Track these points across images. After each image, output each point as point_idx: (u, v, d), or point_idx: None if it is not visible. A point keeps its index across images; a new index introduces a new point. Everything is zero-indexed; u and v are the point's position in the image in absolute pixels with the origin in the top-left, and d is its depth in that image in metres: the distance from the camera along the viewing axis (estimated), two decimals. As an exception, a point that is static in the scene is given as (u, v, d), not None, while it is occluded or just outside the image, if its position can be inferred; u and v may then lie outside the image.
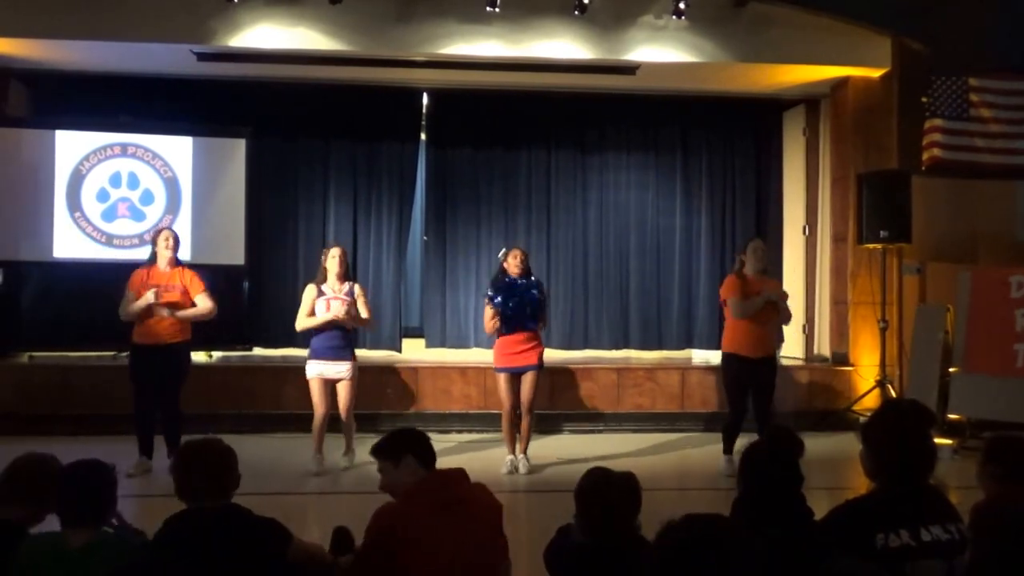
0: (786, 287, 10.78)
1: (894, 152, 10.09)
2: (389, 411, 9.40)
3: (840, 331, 10.38)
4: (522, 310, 7.68)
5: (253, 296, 10.47)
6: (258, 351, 10.64)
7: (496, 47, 9.50)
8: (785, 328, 11.14)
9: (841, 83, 10.38)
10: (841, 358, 10.24)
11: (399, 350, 10.83)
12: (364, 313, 7.89)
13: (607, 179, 11.44)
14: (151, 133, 10.20)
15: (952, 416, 8.87)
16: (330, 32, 9.33)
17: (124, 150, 10.09)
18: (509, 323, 7.67)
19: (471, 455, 7.97)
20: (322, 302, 7.72)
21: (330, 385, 7.75)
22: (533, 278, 7.91)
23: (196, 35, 9.25)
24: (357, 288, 7.96)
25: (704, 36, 9.64)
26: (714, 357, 10.53)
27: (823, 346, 10.79)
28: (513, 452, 7.82)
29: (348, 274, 7.97)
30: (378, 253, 11.07)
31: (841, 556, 3.07)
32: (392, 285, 10.86)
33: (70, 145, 9.96)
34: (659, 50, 9.62)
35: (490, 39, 9.48)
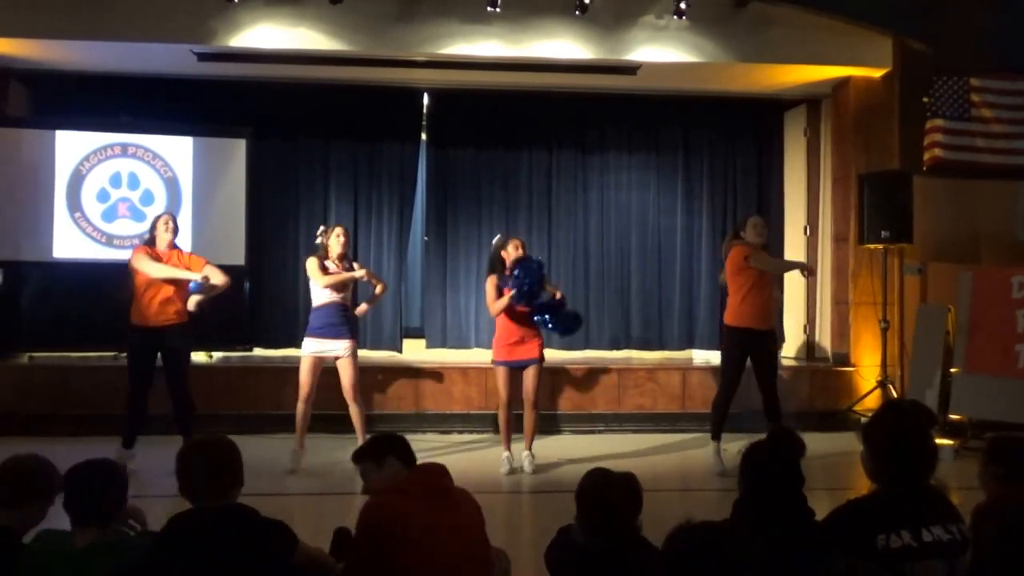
0: (787, 287, 10.88)
1: (895, 152, 10.07)
2: (390, 411, 9.40)
3: (841, 331, 10.37)
4: (539, 282, 7.65)
5: (253, 296, 10.46)
6: (258, 351, 10.62)
7: (497, 47, 9.49)
8: (786, 328, 11.21)
9: (842, 83, 10.37)
10: (842, 358, 10.23)
11: (400, 350, 10.83)
12: (377, 284, 8.01)
13: (608, 179, 11.44)
14: (151, 133, 10.19)
15: (953, 416, 8.85)
16: (331, 32, 9.32)
17: (124, 150, 10.08)
18: (530, 296, 7.62)
19: (472, 456, 7.96)
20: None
21: (322, 366, 7.74)
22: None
23: (196, 35, 9.24)
24: (356, 266, 8.02)
25: (705, 36, 9.63)
26: (715, 358, 10.53)
27: (824, 346, 10.78)
28: (509, 449, 7.80)
29: (348, 255, 7.98)
30: (379, 253, 11.06)
31: (842, 556, 3.07)
32: (393, 285, 10.83)
33: (70, 145, 9.95)
34: (660, 50, 9.60)
35: (491, 39, 9.46)
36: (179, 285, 7.59)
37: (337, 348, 7.71)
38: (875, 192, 9.52)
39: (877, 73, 10.10)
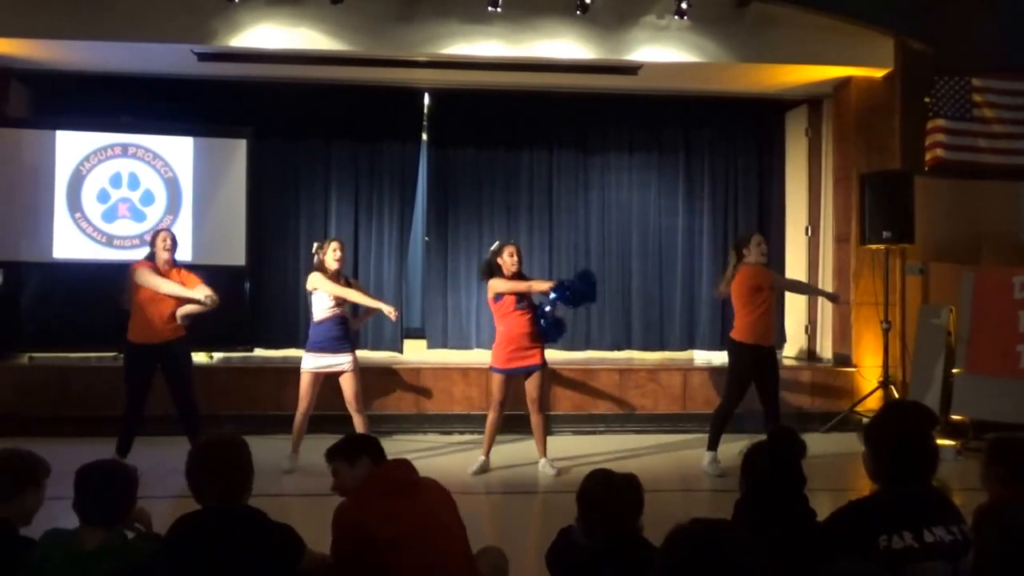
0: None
1: (897, 152, 10.06)
2: (391, 412, 9.40)
3: (843, 332, 10.36)
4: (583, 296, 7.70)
5: (254, 297, 10.45)
6: (259, 352, 10.61)
7: (498, 47, 9.48)
8: (787, 329, 11.21)
9: (844, 83, 10.35)
10: (844, 359, 10.22)
11: (401, 351, 10.81)
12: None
13: (609, 179, 11.43)
14: (152, 133, 10.18)
15: (955, 417, 8.84)
16: (331, 32, 9.31)
17: (124, 150, 10.07)
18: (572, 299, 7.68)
19: (472, 456, 7.93)
20: (323, 293, 7.72)
21: (323, 380, 7.75)
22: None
23: (197, 35, 9.23)
24: (353, 283, 8.06)
25: (706, 36, 9.61)
26: (716, 358, 10.53)
27: (826, 347, 10.77)
28: (487, 454, 7.80)
29: (341, 272, 7.94)
30: (379, 254, 11.05)
31: (843, 557, 3.05)
32: (393, 286, 10.84)
33: (70, 145, 9.94)
34: (661, 50, 9.59)
35: (492, 39, 9.45)
36: (179, 302, 7.60)
37: (340, 363, 7.71)
38: (876, 192, 9.50)
39: (878, 73, 10.09)
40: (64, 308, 9.80)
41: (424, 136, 11.30)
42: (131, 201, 10.05)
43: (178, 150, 10.17)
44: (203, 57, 9.61)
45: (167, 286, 7.45)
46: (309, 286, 7.81)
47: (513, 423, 8.35)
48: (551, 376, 9.34)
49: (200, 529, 3.29)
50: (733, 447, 6.82)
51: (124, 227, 9.99)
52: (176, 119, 10.39)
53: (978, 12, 9.86)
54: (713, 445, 7.81)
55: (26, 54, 9.62)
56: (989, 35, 9.92)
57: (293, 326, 10.60)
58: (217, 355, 10.11)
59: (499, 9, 9.05)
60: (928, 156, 9.84)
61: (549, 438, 7.95)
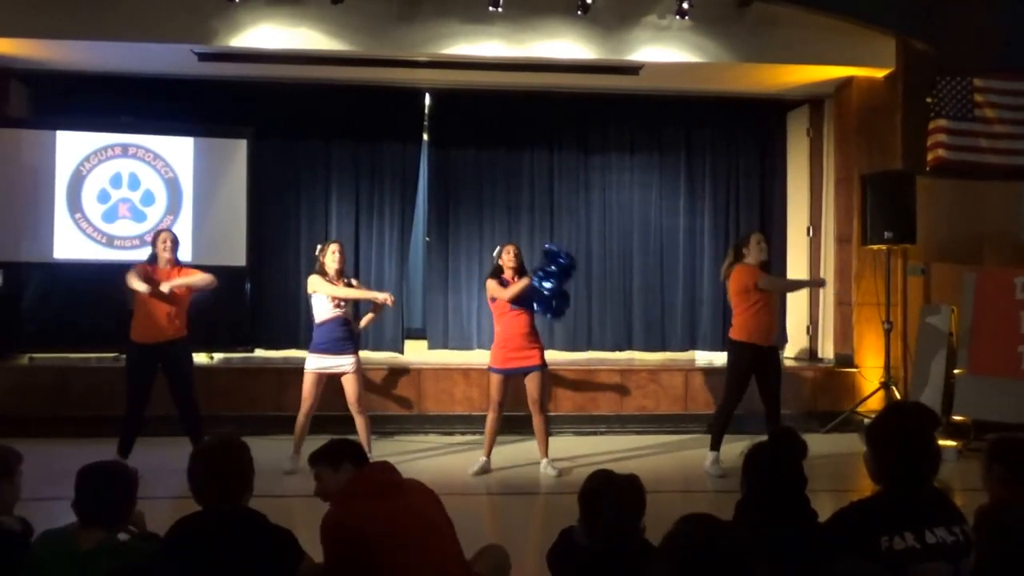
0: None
1: (898, 153, 10.04)
2: (392, 413, 9.39)
3: (844, 332, 10.34)
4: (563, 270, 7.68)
5: (255, 297, 10.44)
6: (259, 353, 10.60)
7: (499, 47, 9.46)
8: (789, 330, 11.19)
9: (845, 83, 10.34)
10: (845, 359, 10.20)
11: (401, 352, 10.80)
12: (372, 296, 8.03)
13: (610, 180, 11.42)
14: (152, 134, 10.18)
15: (956, 418, 8.82)
16: (332, 32, 9.29)
17: (125, 151, 10.07)
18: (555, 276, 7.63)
19: (473, 457, 7.92)
20: (329, 300, 7.74)
21: (326, 381, 7.75)
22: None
23: (197, 35, 9.22)
24: (355, 284, 8.05)
25: (708, 36, 9.60)
26: (718, 359, 10.51)
27: (827, 348, 10.75)
28: (488, 455, 7.80)
29: (345, 271, 7.97)
30: (380, 254, 11.04)
31: (845, 558, 3.05)
32: (394, 286, 10.80)
33: (71, 146, 9.94)
34: (662, 50, 9.58)
35: (492, 39, 9.44)
36: (180, 302, 7.61)
37: (342, 364, 7.71)
38: (878, 192, 9.48)
39: (880, 73, 10.07)
40: (64, 309, 9.80)
41: (425, 136, 11.29)
42: (131, 201, 10.04)
43: (178, 150, 10.16)
44: (203, 57, 9.60)
45: (140, 287, 7.33)
46: (309, 289, 7.84)
47: (514, 424, 8.35)
48: (552, 377, 9.35)
49: (199, 530, 3.28)
50: (734, 448, 6.82)
51: (124, 227, 9.98)
52: (176, 119, 10.37)
53: (980, 12, 9.83)
54: (715, 445, 7.80)
55: (26, 54, 9.61)
56: (991, 35, 9.90)
57: (294, 326, 10.60)
58: (218, 356, 10.10)
59: (500, 9, 9.03)
60: (930, 156, 9.82)
61: (550, 439, 7.94)
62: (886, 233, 9.38)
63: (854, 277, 10.17)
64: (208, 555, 3.21)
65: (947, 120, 9.74)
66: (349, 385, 7.73)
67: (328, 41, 9.32)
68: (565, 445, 8.71)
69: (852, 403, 9.68)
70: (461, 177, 11.26)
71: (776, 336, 7.95)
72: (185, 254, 8.04)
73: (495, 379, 7.76)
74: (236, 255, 10.03)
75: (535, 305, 7.68)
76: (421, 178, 11.30)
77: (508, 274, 7.78)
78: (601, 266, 11.33)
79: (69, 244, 9.83)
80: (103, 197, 9.99)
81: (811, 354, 10.98)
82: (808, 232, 11.11)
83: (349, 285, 7.90)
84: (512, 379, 7.72)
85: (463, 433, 9.23)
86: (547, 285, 7.54)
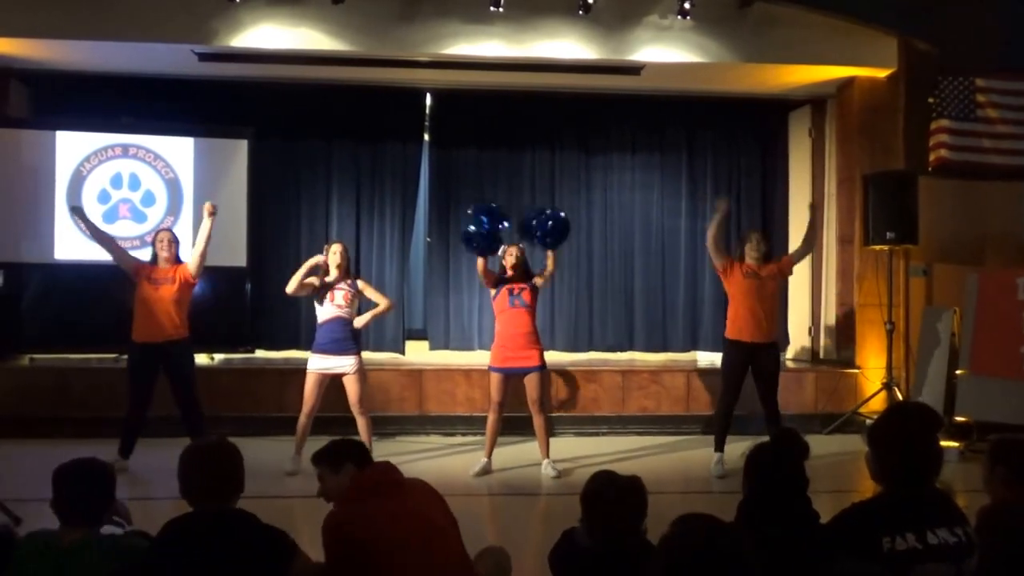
0: (792, 289, 10.86)
1: (900, 153, 10.02)
2: (393, 413, 9.37)
3: (846, 333, 10.33)
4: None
5: (255, 298, 10.41)
6: (260, 353, 10.58)
7: (500, 47, 9.46)
8: (791, 331, 11.16)
9: (847, 83, 10.33)
10: (847, 360, 10.18)
11: (402, 352, 10.79)
12: (381, 300, 8.00)
13: (611, 180, 11.41)
14: (152, 134, 10.16)
15: (959, 418, 8.80)
16: (332, 32, 9.29)
17: (125, 151, 10.06)
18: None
19: (474, 457, 7.92)
20: (325, 293, 7.77)
21: (327, 382, 7.75)
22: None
23: (197, 35, 9.21)
24: (360, 283, 8.03)
25: (709, 36, 9.59)
26: (719, 359, 10.47)
27: (829, 348, 10.74)
28: (489, 456, 7.81)
29: (349, 270, 7.97)
30: (381, 255, 11.03)
31: (846, 559, 3.04)
32: (395, 287, 10.80)
33: (71, 146, 9.93)
34: (664, 50, 9.57)
35: (493, 39, 9.44)
36: (180, 302, 7.64)
37: (343, 365, 7.70)
38: (880, 193, 9.47)
39: (882, 73, 10.06)
40: (65, 309, 9.77)
41: (426, 136, 11.28)
42: (132, 202, 10.03)
43: (179, 151, 10.15)
44: (204, 57, 9.60)
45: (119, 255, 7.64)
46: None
47: (515, 424, 8.35)
48: (553, 377, 9.35)
49: (189, 531, 3.28)
50: (736, 449, 6.82)
51: (125, 228, 9.95)
52: (177, 119, 10.36)
53: (982, 12, 9.82)
54: (719, 446, 7.80)
55: (26, 54, 9.61)
56: (993, 35, 9.89)
57: (295, 327, 10.59)
58: (218, 356, 10.09)
59: (501, 9, 9.03)
60: (932, 156, 9.81)
61: (551, 439, 7.94)
62: (888, 233, 9.37)
63: (856, 278, 10.15)
64: (200, 556, 3.20)
65: (949, 120, 9.73)
66: (350, 386, 7.72)
67: (329, 41, 9.31)
68: (566, 446, 8.70)
69: (854, 404, 9.67)
70: (462, 177, 11.24)
71: (768, 334, 7.86)
72: (185, 255, 8.02)
73: (494, 379, 7.77)
74: (237, 255, 10.01)
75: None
76: (422, 178, 11.28)
77: (510, 275, 7.82)
78: (602, 266, 11.31)
79: (69, 245, 9.81)
80: (103, 197, 9.97)
81: (813, 355, 10.96)
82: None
83: (354, 285, 7.88)
84: (512, 379, 7.73)
85: (464, 434, 9.23)
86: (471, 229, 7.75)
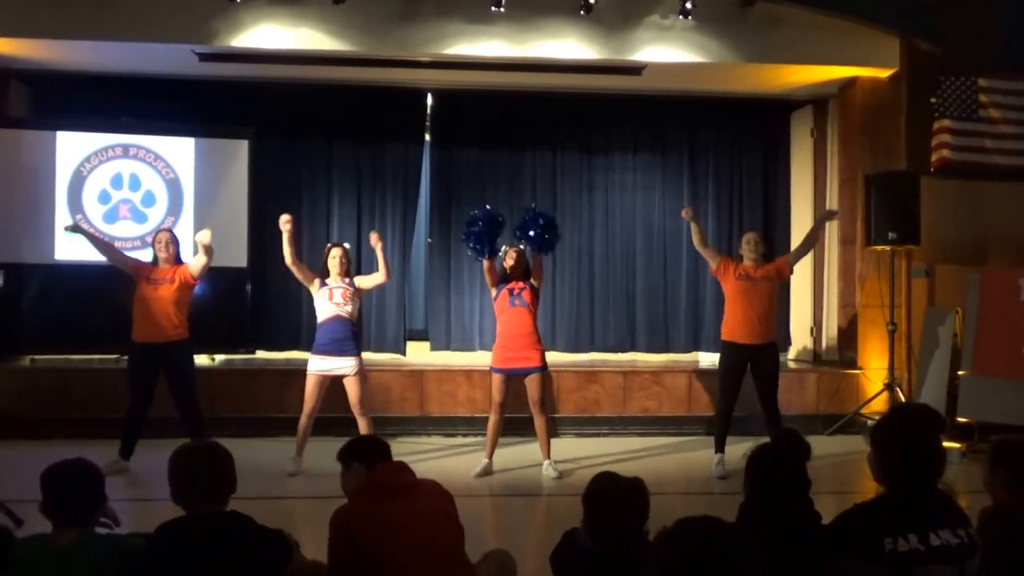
0: (793, 290, 10.85)
1: (903, 153, 10.01)
2: (394, 414, 9.36)
3: (848, 334, 10.31)
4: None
5: (256, 298, 10.40)
6: (261, 354, 10.57)
7: (501, 47, 9.45)
8: (793, 331, 11.15)
9: (849, 83, 10.32)
10: (849, 361, 10.17)
11: (403, 353, 10.78)
12: (378, 277, 8.02)
13: (613, 180, 11.39)
14: (153, 134, 10.15)
15: (961, 419, 8.79)
16: (333, 32, 9.28)
17: (125, 151, 10.05)
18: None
19: (475, 458, 7.91)
20: (324, 291, 7.77)
21: (328, 383, 7.73)
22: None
23: (198, 35, 9.20)
24: (357, 280, 8.04)
25: (711, 36, 9.58)
26: (720, 360, 10.50)
27: (831, 349, 10.72)
28: (490, 457, 7.80)
29: (349, 272, 7.97)
30: (382, 255, 11.01)
31: (848, 560, 3.03)
32: (396, 287, 10.79)
33: (71, 146, 9.91)
34: (665, 50, 9.56)
35: (495, 39, 9.43)
36: (179, 303, 7.62)
37: (343, 367, 7.68)
38: (882, 193, 9.46)
39: (884, 73, 10.05)
40: (65, 310, 9.76)
41: (427, 137, 11.26)
42: (132, 202, 10.02)
43: (179, 151, 10.14)
44: (204, 57, 9.59)
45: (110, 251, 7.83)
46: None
47: (516, 425, 8.34)
48: (554, 378, 9.34)
49: (182, 535, 3.26)
50: (737, 449, 6.81)
51: (125, 228, 9.96)
52: (177, 120, 10.36)
53: (984, 12, 9.81)
54: (719, 447, 7.79)
55: (26, 54, 9.60)
56: (995, 35, 9.88)
57: (295, 328, 10.58)
58: (219, 357, 10.08)
59: (502, 9, 9.02)
60: (934, 157, 9.80)
61: (552, 440, 7.93)
62: (890, 234, 9.36)
63: (858, 278, 10.14)
64: (197, 560, 3.18)
65: (951, 120, 9.72)
66: (351, 388, 7.70)
67: (330, 41, 9.30)
68: (567, 447, 8.69)
69: (856, 405, 9.66)
70: (463, 178, 11.23)
71: (764, 335, 7.82)
72: (186, 255, 8.03)
73: (495, 379, 7.76)
74: (237, 256, 9.99)
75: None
76: (423, 179, 11.27)
77: (510, 275, 7.83)
78: (604, 267, 11.30)
79: (70, 245, 9.77)
80: (104, 198, 9.97)
81: (815, 356, 10.95)
82: (811, 233, 11.08)
83: (352, 284, 7.88)
84: (513, 380, 7.71)
85: (465, 435, 9.22)
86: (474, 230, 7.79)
